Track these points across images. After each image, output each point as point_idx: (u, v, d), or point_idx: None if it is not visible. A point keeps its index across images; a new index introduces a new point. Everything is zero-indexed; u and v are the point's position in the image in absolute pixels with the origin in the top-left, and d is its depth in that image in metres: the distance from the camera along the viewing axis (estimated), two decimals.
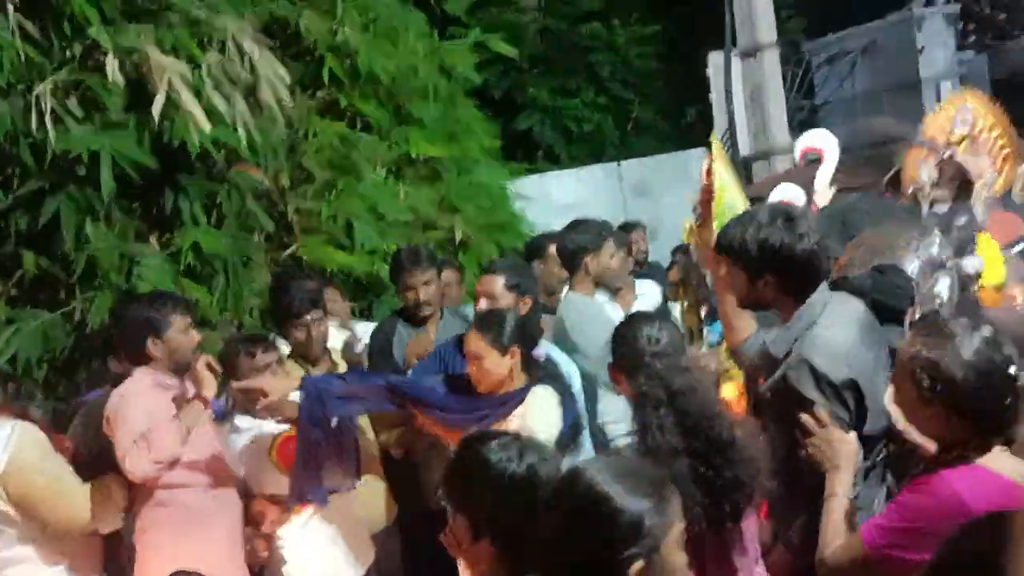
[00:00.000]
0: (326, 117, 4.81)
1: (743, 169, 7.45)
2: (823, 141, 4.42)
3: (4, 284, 3.97)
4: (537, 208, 6.30)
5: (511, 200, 5.97)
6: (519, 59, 8.15)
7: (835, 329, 2.16)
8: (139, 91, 3.85)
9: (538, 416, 2.59)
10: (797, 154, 4.47)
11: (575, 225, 3.87)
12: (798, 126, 7.61)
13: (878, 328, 2.26)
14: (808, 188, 4.54)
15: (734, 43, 6.95)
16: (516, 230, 5.69)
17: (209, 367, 2.84)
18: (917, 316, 2.67)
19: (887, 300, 2.33)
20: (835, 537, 1.90)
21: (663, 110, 10.69)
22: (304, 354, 3.36)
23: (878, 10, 7.49)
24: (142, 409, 2.75)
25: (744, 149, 7.26)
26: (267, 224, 4.49)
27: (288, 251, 4.59)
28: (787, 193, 4.21)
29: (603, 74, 10.38)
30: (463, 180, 5.47)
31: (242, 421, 3.03)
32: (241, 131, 4.05)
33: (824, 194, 4.07)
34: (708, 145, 8.12)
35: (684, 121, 9.83)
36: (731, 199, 3.20)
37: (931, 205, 3.45)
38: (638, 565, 1.39)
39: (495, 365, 2.70)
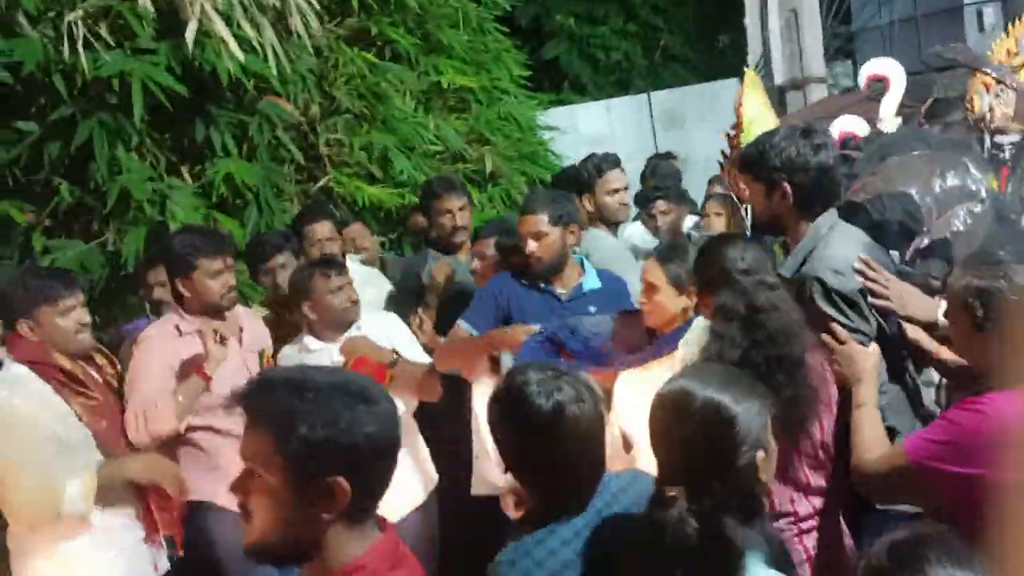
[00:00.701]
0: (355, 46, 4.73)
1: (777, 98, 7.28)
2: (889, 68, 4.31)
3: (39, 215, 3.99)
4: (565, 140, 6.21)
5: (539, 131, 5.89)
6: None
7: (840, 246, 2.22)
8: (169, 18, 3.80)
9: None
10: (862, 82, 4.36)
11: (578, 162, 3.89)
12: (834, 54, 7.41)
13: (879, 252, 2.31)
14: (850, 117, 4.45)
15: None
16: (545, 162, 5.62)
17: (220, 339, 2.77)
18: (924, 244, 2.71)
19: (885, 227, 2.37)
20: (871, 446, 1.94)
21: (693, 38, 10.44)
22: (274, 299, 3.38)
23: None
24: (155, 367, 2.71)
25: (779, 78, 7.09)
26: (297, 155, 4.47)
27: (319, 184, 4.56)
28: (849, 124, 4.15)
29: (633, 1, 10.13)
30: (492, 111, 5.38)
31: (311, 342, 3.02)
32: (271, 60, 4.00)
33: (890, 123, 3.98)
34: (741, 75, 7.96)
35: (716, 49, 9.61)
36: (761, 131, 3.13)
37: (993, 135, 3.34)
38: (761, 455, 1.53)
39: (668, 301, 2.53)
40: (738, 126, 3.21)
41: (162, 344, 2.77)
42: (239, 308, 3.00)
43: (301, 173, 4.64)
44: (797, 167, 2.22)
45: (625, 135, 7.07)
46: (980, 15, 7.05)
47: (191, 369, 2.73)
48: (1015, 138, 3.25)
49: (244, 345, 2.91)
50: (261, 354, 2.90)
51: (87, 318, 2.60)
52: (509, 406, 1.68)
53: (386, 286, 3.63)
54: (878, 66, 4.37)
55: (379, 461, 1.26)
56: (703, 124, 7.55)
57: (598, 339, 2.65)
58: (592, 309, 2.97)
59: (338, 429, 1.20)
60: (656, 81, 9.84)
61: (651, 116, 7.31)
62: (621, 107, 7.46)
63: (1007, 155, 3.23)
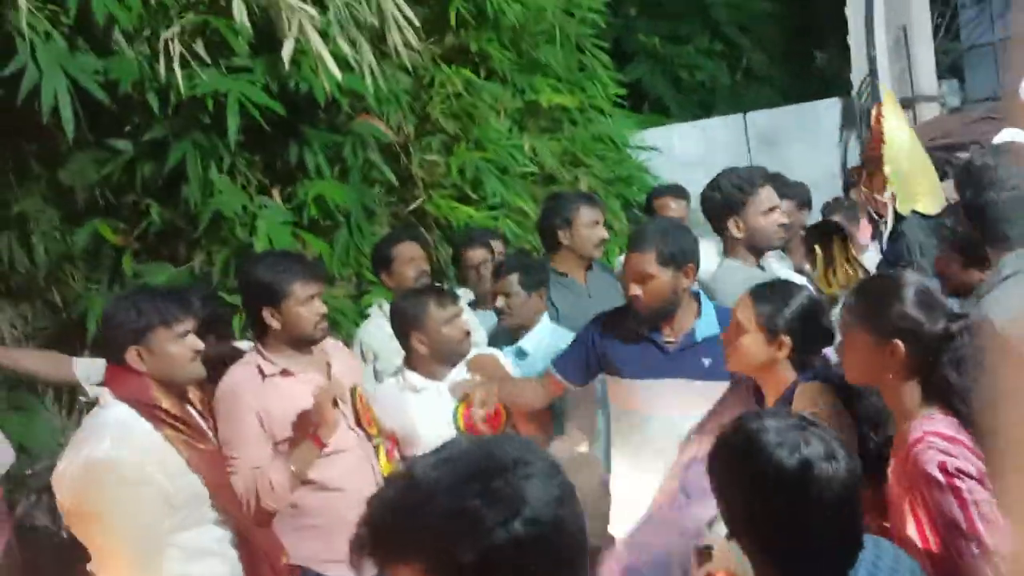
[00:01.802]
0: (452, 64, 4.56)
1: None
2: None
3: (129, 237, 3.89)
4: (659, 162, 5.95)
5: (634, 153, 5.65)
6: (628, 5, 7.72)
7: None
8: (266, 35, 3.67)
9: None
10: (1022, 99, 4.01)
11: (716, 179, 3.14)
12: (943, 73, 7.02)
13: None
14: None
15: None
16: (641, 184, 5.37)
17: (335, 401, 2.45)
18: None
19: None
20: None
21: (779, 58, 10.09)
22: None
23: None
24: (249, 426, 2.39)
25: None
26: (389, 177, 4.31)
27: (412, 206, 4.39)
28: (1014, 136, 3.84)
29: (719, 18, 9.83)
30: (587, 131, 5.16)
31: (415, 379, 2.79)
32: (367, 78, 3.84)
33: None
34: (838, 93, 7.58)
35: (809, 67, 9.25)
36: (905, 149, 2.87)
37: None
38: None
39: (754, 346, 2.20)
40: (877, 141, 2.93)
41: (250, 394, 2.45)
42: (327, 340, 2.70)
43: (393, 195, 4.47)
44: None
45: (720, 157, 6.76)
46: None
47: (303, 431, 2.42)
48: None
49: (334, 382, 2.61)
50: (353, 391, 2.61)
51: (200, 344, 2.27)
52: (740, 458, 1.43)
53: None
54: None
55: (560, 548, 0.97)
56: (800, 145, 7.22)
57: None
58: (706, 362, 2.56)
59: (495, 535, 0.93)
60: (741, 102, 9.50)
61: (745, 137, 7.01)
62: (715, 128, 7.18)
63: None
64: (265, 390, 2.46)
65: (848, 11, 6.70)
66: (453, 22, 4.50)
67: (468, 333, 2.78)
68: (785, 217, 3.07)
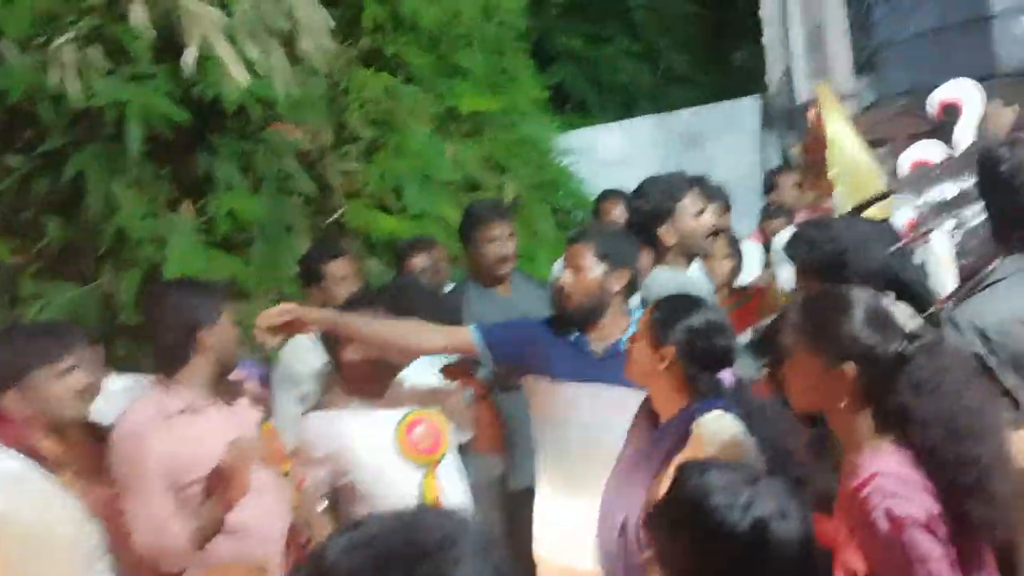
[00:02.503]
0: (368, 68, 4.42)
1: (802, 116, 6.99)
2: (961, 92, 4.03)
3: (27, 255, 3.67)
4: (583, 164, 5.90)
5: (557, 156, 5.58)
6: (548, 6, 7.68)
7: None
8: (168, 41, 3.49)
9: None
10: (935, 109, 4.09)
11: (641, 187, 3.09)
12: (858, 70, 7.15)
13: None
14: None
15: None
16: (568, 189, 5.30)
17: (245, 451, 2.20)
18: None
19: None
20: None
21: (701, 58, 10.21)
22: None
23: None
24: (151, 474, 2.17)
25: (802, 95, 6.82)
26: (307, 186, 4.15)
27: (331, 217, 4.23)
28: (924, 152, 3.88)
29: (637, 20, 9.89)
30: (510, 135, 5.07)
31: (350, 401, 2.59)
32: (279, 84, 3.69)
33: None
34: (756, 91, 7.64)
35: (727, 67, 9.36)
36: (849, 148, 2.81)
37: None
38: None
39: (640, 352, 2.11)
40: (818, 143, 2.86)
41: (152, 437, 2.21)
42: (234, 373, 2.47)
43: (311, 205, 4.31)
44: None
45: (645, 157, 6.77)
46: (1011, 24, 6.81)
47: (212, 487, 2.21)
48: None
49: (243, 417, 2.39)
50: (261, 425, 2.40)
51: (87, 379, 2.11)
52: (686, 522, 1.30)
53: None
54: (950, 91, 4.11)
55: None
56: (722, 143, 7.27)
57: None
58: None
59: None
60: (663, 102, 9.57)
61: (669, 137, 7.03)
62: (638, 128, 7.17)
63: None
64: (171, 434, 2.25)
65: (763, 11, 6.77)
66: (368, 25, 4.37)
67: None
68: (714, 219, 3.04)
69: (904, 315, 1.64)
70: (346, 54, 4.38)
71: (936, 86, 6.93)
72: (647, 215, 2.94)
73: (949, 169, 3.32)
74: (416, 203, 4.30)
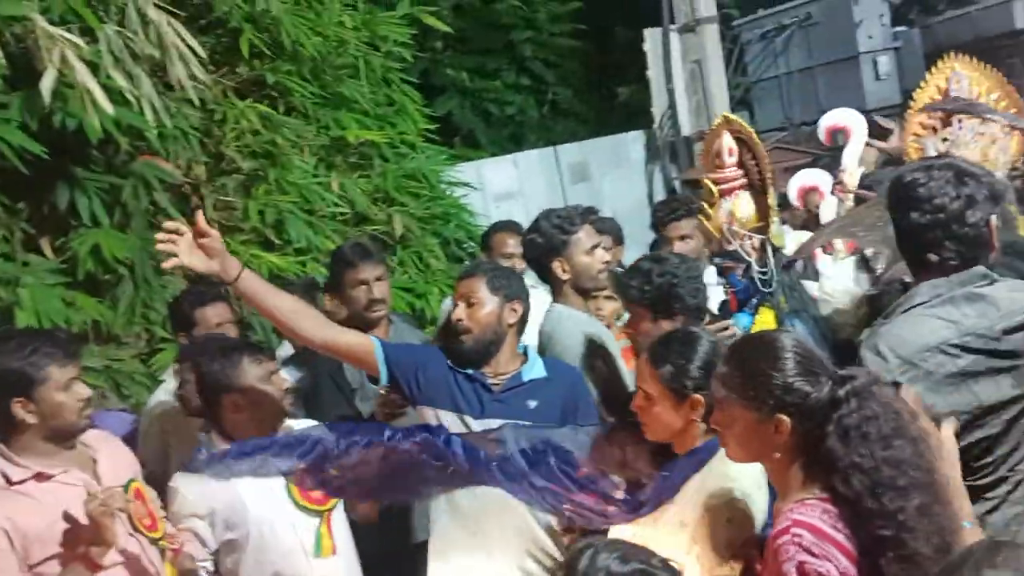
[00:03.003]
0: (246, 98, 4.22)
1: (685, 149, 7.16)
2: (848, 119, 4.20)
3: None
4: (473, 197, 5.84)
5: (447, 189, 5.49)
6: (434, 39, 7.64)
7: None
8: (24, 67, 3.22)
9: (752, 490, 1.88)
10: (823, 134, 4.24)
11: (536, 221, 3.02)
12: (735, 105, 7.39)
13: None
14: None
15: (672, 19, 6.65)
16: (458, 221, 5.21)
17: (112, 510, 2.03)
18: None
19: None
20: None
21: (588, 92, 10.38)
22: None
23: None
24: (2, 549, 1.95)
25: (685, 129, 6.99)
26: (181, 223, 3.89)
27: None
28: (810, 179, 4.02)
29: (524, 54, 9.98)
30: (399, 167, 4.95)
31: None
32: (149, 114, 3.45)
33: (854, 173, 3.82)
34: (641, 126, 7.79)
35: (616, 101, 9.54)
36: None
37: None
38: None
39: (666, 414, 1.97)
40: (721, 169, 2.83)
41: None
42: (90, 431, 2.26)
43: None
44: None
45: (534, 190, 6.78)
46: (875, 64, 7.18)
47: (71, 551, 2.00)
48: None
49: (103, 481, 2.17)
50: (127, 486, 2.16)
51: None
52: None
53: None
54: (837, 118, 4.29)
55: None
56: (610, 177, 7.37)
57: (564, 460, 2.02)
58: (532, 404, 2.46)
59: None
60: (550, 135, 9.67)
61: (558, 170, 7.06)
62: (527, 162, 7.18)
63: None
64: (14, 501, 2.02)
65: (646, 47, 6.93)
66: (246, 53, 4.17)
67: (287, 391, 2.47)
68: (608, 254, 3.01)
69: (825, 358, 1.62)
70: (223, 84, 4.17)
71: (806, 122, 7.25)
72: (540, 249, 2.89)
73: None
74: (299, 238, 4.11)
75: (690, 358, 1.96)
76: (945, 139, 3.10)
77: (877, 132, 4.80)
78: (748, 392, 1.59)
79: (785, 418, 1.56)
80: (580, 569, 1.23)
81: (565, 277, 2.87)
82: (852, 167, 3.86)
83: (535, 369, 2.54)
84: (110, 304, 3.73)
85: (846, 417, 1.53)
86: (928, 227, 1.90)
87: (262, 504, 2.37)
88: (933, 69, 3.33)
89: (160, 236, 2.27)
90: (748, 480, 1.86)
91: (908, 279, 2.15)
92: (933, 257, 1.91)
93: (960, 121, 3.11)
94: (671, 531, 1.85)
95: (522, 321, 2.59)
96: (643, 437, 2.03)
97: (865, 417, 1.52)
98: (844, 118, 4.22)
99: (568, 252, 2.85)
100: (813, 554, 1.46)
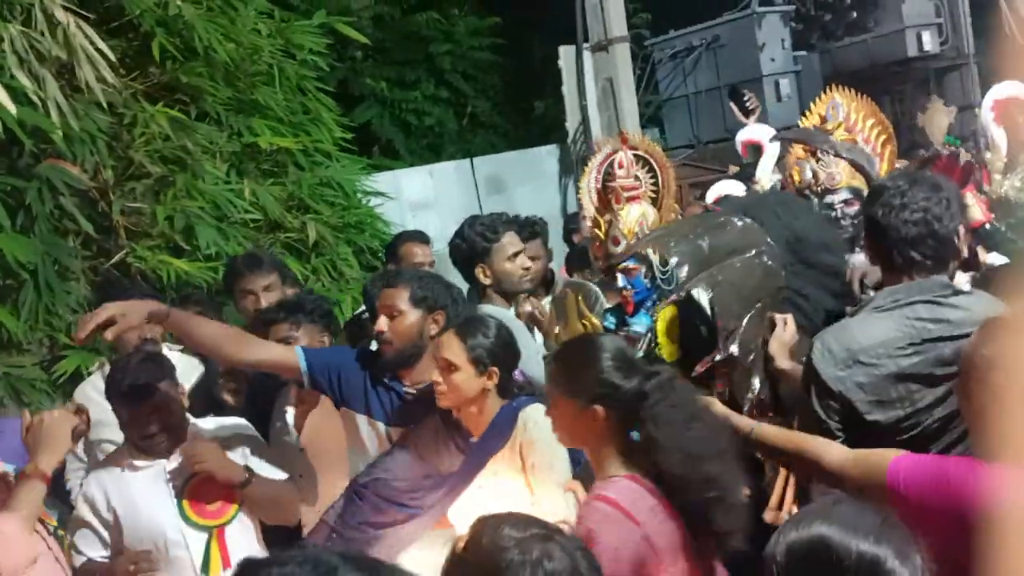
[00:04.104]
0: (157, 102, 4.17)
1: None
2: (761, 133, 4.46)
3: None
4: (390, 206, 5.88)
5: (363, 198, 5.51)
6: (353, 48, 7.64)
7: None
8: None
9: (546, 443, 2.17)
10: (740, 146, 4.46)
11: (461, 227, 3.19)
12: (646, 122, 7.61)
13: None
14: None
15: (585, 37, 6.83)
16: (373, 230, 5.24)
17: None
18: None
19: None
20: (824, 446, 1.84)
21: (505, 106, 10.50)
22: None
23: (719, 8, 7.64)
24: None
25: (596, 145, 7.18)
26: (86, 226, 3.84)
27: (114, 259, 3.93)
28: (727, 188, 4.22)
29: (443, 66, 10.05)
30: (313, 175, 4.95)
31: (135, 456, 2.45)
32: (55, 116, 3.40)
33: (767, 185, 4.01)
34: (556, 140, 7.93)
35: (532, 115, 9.69)
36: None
37: (822, 197, 3.37)
38: None
39: (466, 382, 2.31)
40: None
41: None
42: None
43: (91, 247, 3.99)
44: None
45: (450, 200, 6.84)
46: (777, 85, 7.51)
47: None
48: (844, 196, 3.29)
49: None
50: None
51: None
52: (476, 573, 1.28)
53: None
54: (752, 132, 4.53)
55: None
56: (524, 188, 7.48)
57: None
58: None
59: None
60: (468, 147, 9.75)
61: (475, 181, 7.14)
62: (444, 172, 7.25)
63: (839, 212, 3.25)
64: None
65: (561, 64, 7.09)
66: (158, 57, 4.13)
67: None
68: (529, 261, 3.13)
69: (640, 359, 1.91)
70: (133, 87, 4.12)
71: (712, 140, 7.53)
72: (464, 254, 3.06)
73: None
74: (210, 243, 4.08)
75: (488, 335, 2.32)
76: (819, 159, 3.31)
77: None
78: (569, 385, 1.86)
79: (600, 408, 1.81)
80: (485, 542, 1.30)
81: (487, 281, 3.04)
82: (765, 179, 4.04)
83: None
84: (11, 310, 3.65)
85: (655, 406, 1.78)
86: (914, 224, 2.04)
87: (152, 516, 2.39)
88: (817, 99, 3.55)
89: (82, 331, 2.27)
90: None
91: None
92: (916, 255, 2.05)
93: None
94: (514, 481, 2.22)
95: (446, 328, 2.63)
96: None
97: (670, 405, 1.79)
98: (756, 133, 4.46)
99: (491, 259, 3.03)
100: (604, 524, 1.70)
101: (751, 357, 2.36)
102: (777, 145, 3.96)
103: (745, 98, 4.87)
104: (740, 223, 2.53)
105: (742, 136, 4.45)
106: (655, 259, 2.39)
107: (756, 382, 2.34)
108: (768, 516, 2.16)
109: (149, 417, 2.37)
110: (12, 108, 3.15)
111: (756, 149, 4.39)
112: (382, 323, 2.54)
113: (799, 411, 2.14)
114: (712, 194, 4.46)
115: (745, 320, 2.36)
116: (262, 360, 2.53)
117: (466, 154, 9.04)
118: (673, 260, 2.39)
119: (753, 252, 2.46)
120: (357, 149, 5.94)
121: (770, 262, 2.47)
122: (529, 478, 2.28)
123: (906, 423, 1.98)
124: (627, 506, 1.72)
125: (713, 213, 3.48)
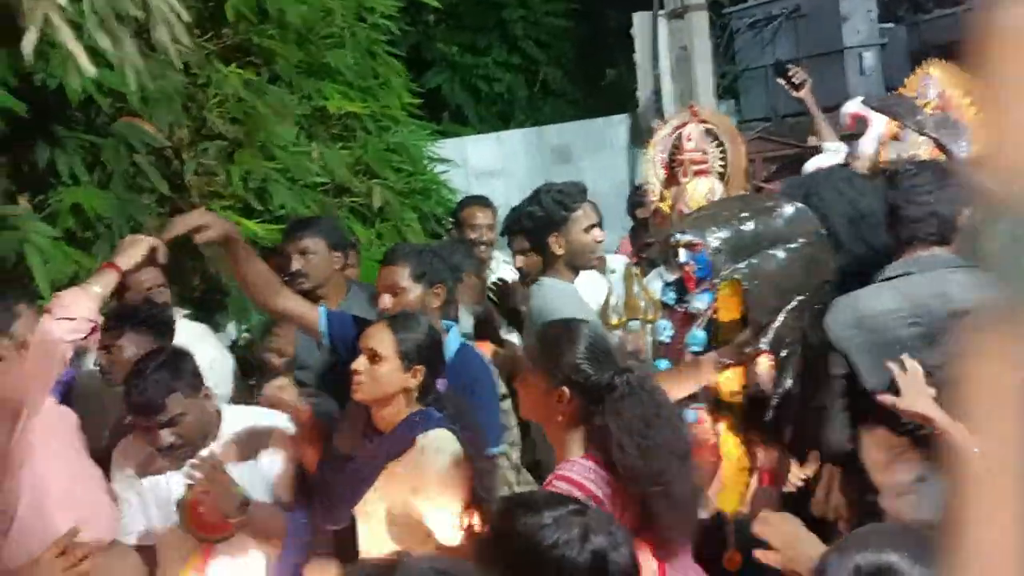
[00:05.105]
0: (230, 64, 4.23)
1: None
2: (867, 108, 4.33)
3: None
4: (455, 173, 5.88)
5: (430, 164, 5.53)
6: (425, 13, 7.62)
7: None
8: (6, 26, 3.23)
9: (439, 474, 2.16)
10: (845, 121, 4.33)
11: (536, 193, 3.09)
12: (721, 94, 7.44)
13: None
14: None
15: (661, 4, 6.68)
16: (439, 197, 5.25)
17: None
18: None
19: None
20: None
21: (576, 73, 10.38)
22: None
23: None
24: None
25: (669, 116, 7.03)
26: (160, 185, 3.93)
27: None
28: (825, 161, 4.10)
29: (516, 32, 9.97)
30: (381, 141, 4.97)
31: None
32: (131, 76, 3.47)
33: (866, 162, 3.89)
34: (627, 109, 7.81)
35: (603, 84, 9.55)
36: None
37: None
38: None
39: (392, 375, 2.24)
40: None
41: None
42: None
43: (164, 205, 4.09)
44: None
45: (517, 169, 6.81)
46: (860, 58, 7.24)
47: None
48: None
49: None
50: None
51: None
52: (519, 556, 1.27)
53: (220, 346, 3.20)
54: (858, 106, 4.36)
55: None
56: (592, 159, 7.40)
57: None
58: (440, 384, 2.47)
59: None
60: (537, 115, 9.67)
61: (541, 150, 7.10)
62: (511, 140, 7.21)
63: None
64: None
65: (635, 30, 6.95)
66: (231, 18, 4.19)
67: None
68: (601, 235, 3.07)
69: (618, 350, 2.01)
70: (206, 48, 4.18)
71: (789, 113, 7.29)
72: (539, 221, 2.96)
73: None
74: (285, 204, 4.14)
75: (420, 332, 2.29)
76: (898, 138, 3.20)
77: None
78: (543, 364, 1.96)
79: (567, 391, 1.91)
80: (517, 524, 1.30)
81: (560, 252, 2.94)
82: (865, 156, 3.89)
83: (448, 351, 2.58)
84: (91, 259, 3.77)
85: (619, 400, 1.87)
86: (918, 205, 2.25)
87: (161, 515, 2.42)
88: (917, 69, 3.40)
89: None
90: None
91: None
92: (919, 233, 2.25)
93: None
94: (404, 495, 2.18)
95: (447, 302, 2.70)
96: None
97: (635, 402, 1.88)
98: (862, 107, 4.29)
99: (567, 228, 2.93)
100: None
101: (785, 353, 2.34)
102: (884, 120, 3.81)
103: (790, 72, 4.66)
104: (791, 209, 2.49)
105: (850, 108, 4.27)
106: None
107: (788, 381, 2.31)
108: (816, 508, 2.14)
109: (161, 432, 2.31)
110: (92, 69, 3.22)
111: (863, 122, 4.20)
112: (386, 301, 2.56)
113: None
114: (811, 165, 4.31)
115: (782, 315, 2.35)
116: (289, 310, 2.58)
117: (535, 122, 8.98)
118: (713, 244, 2.36)
119: (800, 242, 2.43)
120: (426, 115, 5.96)
121: (817, 253, 2.45)
122: (415, 500, 2.19)
123: None
124: (587, 484, 1.81)
125: (763, 195, 3.38)
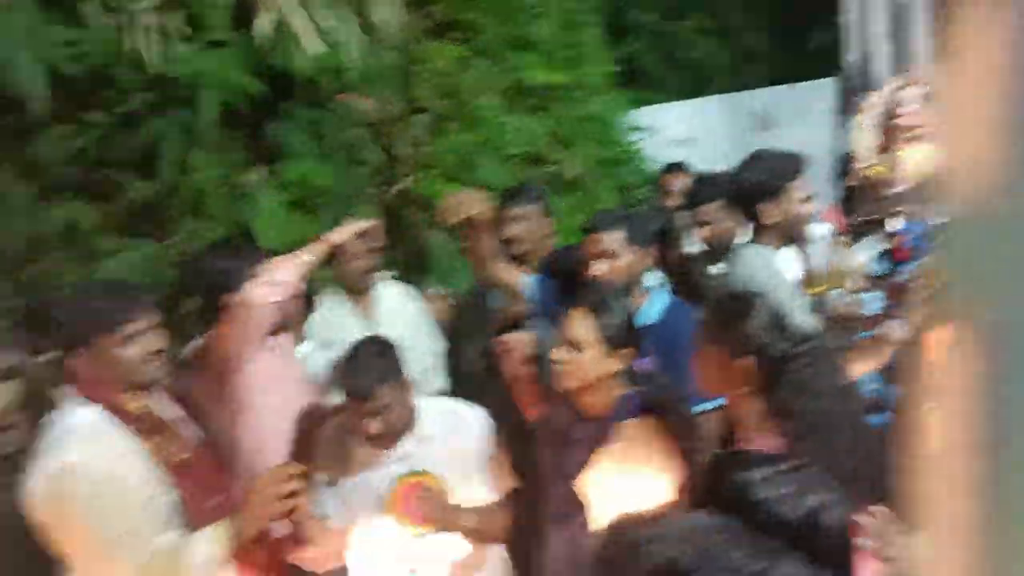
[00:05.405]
0: (438, 40, 4.43)
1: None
2: None
3: (105, 213, 3.78)
4: (651, 142, 5.84)
5: (624, 133, 5.53)
6: None
7: None
8: (245, 9, 3.55)
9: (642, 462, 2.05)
10: None
11: (751, 159, 2.91)
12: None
13: None
14: None
15: None
16: (632, 166, 5.25)
17: None
18: None
19: None
20: None
21: (777, 37, 9.96)
22: None
23: None
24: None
25: (881, 80, 6.62)
26: (375, 157, 4.19)
27: (397, 186, 4.28)
28: None
29: None
30: (577, 111, 5.03)
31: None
32: (352, 54, 3.72)
33: None
34: (831, 74, 7.38)
35: (806, 46, 9.11)
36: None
37: None
38: None
39: (594, 361, 2.11)
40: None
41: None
42: None
43: (378, 175, 4.36)
44: None
45: (713, 137, 6.66)
46: None
47: None
48: None
49: None
50: None
51: (158, 343, 1.98)
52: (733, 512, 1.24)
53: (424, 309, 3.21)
54: None
55: None
56: (794, 126, 7.10)
57: None
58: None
59: None
60: (736, 81, 9.37)
61: (739, 118, 6.89)
62: (709, 107, 7.05)
63: None
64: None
65: None
66: None
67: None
68: (816, 208, 2.96)
69: (797, 322, 1.95)
70: (417, 24, 4.39)
71: None
72: (753, 188, 2.80)
73: None
74: (492, 175, 4.30)
75: (618, 315, 2.16)
76: None
77: None
78: (722, 336, 1.93)
79: (749, 361, 1.88)
80: (733, 478, 1.31)
81: (771, 221, 2.79)
82: None
83: (650, 312, 2.53)
84: (317, 224, 4.08)
85: (797, 373, 1.84)
86: None
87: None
88: None
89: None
90: None
91: None
92: None
93: None
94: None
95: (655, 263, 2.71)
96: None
97: (813, 374, 1.83)
98: None
99: (783, 197, 2.77)
100: None
101: None
102: None
103: None
104: None
105: None
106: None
107: None
108: None
109: (369, 420, 2.22)
110: (321, 47, 3.48)
111: None
112: (601, 266, 2.51)
113: None
114: None
115: None
116: (503, 278, 2.72)
117: (732, 89, 8.71)
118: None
119: None
120: (621, 83, 5.94)
121: None
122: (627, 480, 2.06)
123: None
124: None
125: None
